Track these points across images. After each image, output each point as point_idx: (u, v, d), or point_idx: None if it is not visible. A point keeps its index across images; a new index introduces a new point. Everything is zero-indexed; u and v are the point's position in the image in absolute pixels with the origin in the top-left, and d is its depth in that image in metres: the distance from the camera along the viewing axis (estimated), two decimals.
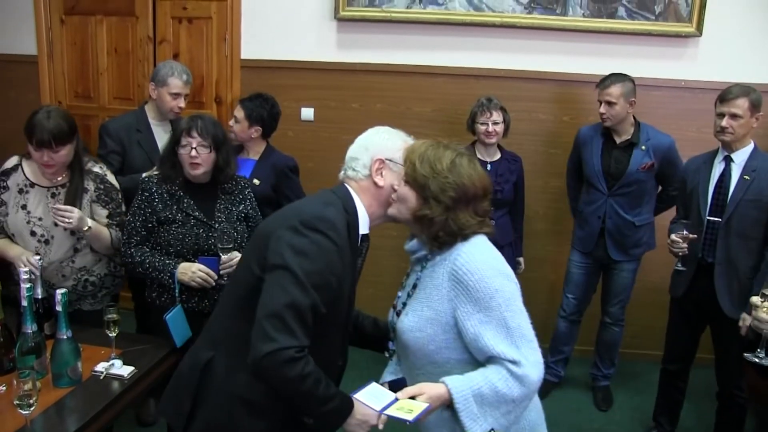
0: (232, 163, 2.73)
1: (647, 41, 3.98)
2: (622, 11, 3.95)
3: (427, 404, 1.64)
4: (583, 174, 3.72)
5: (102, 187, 2.78)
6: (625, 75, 3.50)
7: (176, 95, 3.37)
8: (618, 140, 3.59)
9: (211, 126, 2.66)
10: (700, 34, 3.92)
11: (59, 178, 2.71)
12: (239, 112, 3.40)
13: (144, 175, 2.87)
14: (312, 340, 1.69)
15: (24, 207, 2.69)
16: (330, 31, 4.19)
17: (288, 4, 4.20)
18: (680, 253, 3.05)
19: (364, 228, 1.88)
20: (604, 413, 3.77)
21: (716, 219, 3.00)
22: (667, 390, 3.42)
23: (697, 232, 3.01)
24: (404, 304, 1.86)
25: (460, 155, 1.79)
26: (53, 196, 2.70)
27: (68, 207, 2.58)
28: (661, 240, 3.22)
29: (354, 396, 1.76)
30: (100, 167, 2.82)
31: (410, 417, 1.61)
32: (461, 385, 1.67)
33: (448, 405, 1.68)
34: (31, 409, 1.87)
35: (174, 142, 2.67)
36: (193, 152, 2.60)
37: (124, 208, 2.83)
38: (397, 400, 1.68)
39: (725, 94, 2.95)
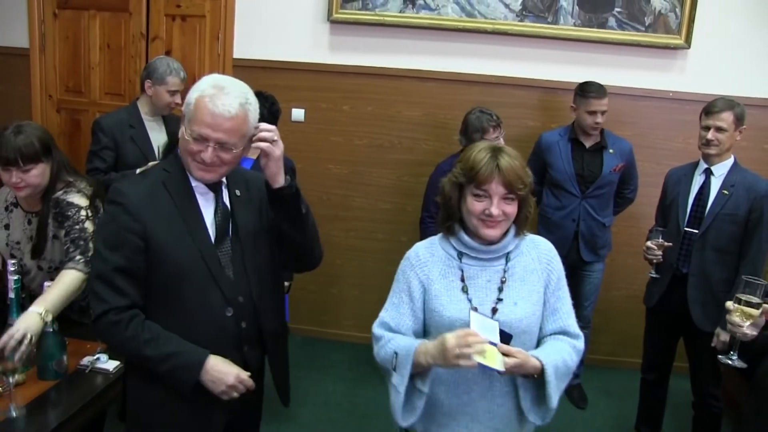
0: None
1: (636, 52, 4.03)
2: (612, 21, 4.00)
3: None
4: (551, 179, 3.76)
5: (57, 209, 2.46)
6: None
7: (174, 92, 3.41)
8: (587, 144, 3.68)
9: None
10: (689, 46, 3.97)
11: (33, 207, 2.51)
12: None
13: (138, 171, 2.84)
14: (166, 299, 1.82)
15: (7, 227, 2.56)
16: (323, 33, 4.21)
17: (281, 5, 4.22)
18: (654, 261, 3.10)
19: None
20: (585, 420, 3.79)
21: (693, 230, 3.05)
22: (647, 398, 3.45)
23: (674, 242, 3.06)
24: (499, 299, 1.85)
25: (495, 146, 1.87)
26: (29, 223, 2.53)
27: (4, 339, 2.07)
28: (639, 247, 3.27)
29: (471, 310, 1.76)
30: (65, 191, 2.47)
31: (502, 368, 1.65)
32: (549, 359, 1.75)
33: (529, 375, 1.75)
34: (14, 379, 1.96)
35: (174, 141, 2.65)
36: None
37: (86, 225, 2.43)
38: (494, 344, 1.67)
39: (710, 108, 3.00)
